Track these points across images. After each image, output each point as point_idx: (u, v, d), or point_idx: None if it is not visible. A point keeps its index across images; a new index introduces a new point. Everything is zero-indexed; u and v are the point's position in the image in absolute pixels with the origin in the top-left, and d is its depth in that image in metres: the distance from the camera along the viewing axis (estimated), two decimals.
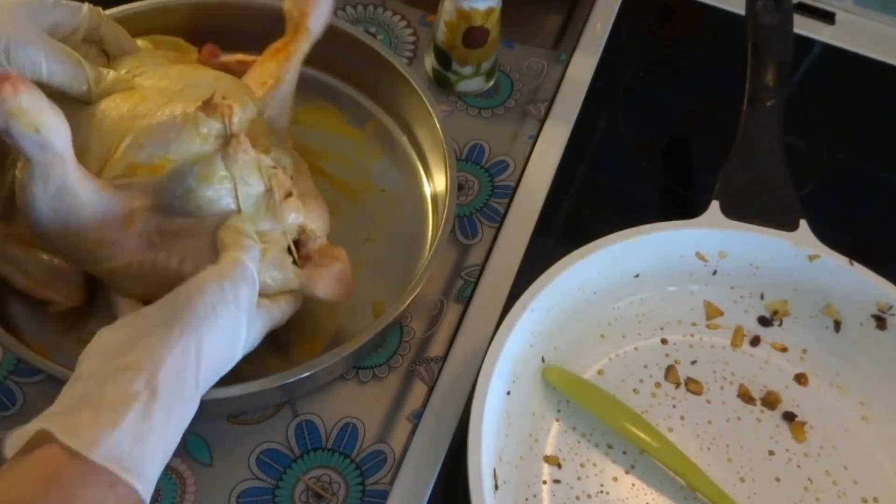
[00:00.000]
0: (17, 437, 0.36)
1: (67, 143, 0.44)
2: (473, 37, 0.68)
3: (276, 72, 0.54)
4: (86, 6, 0.53)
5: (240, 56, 0.60)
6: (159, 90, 0.50)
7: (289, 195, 0.49)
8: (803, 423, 0.56)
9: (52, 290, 0.52)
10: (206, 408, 0.42)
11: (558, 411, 0.55)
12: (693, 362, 0.59)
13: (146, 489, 0.37)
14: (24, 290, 0.52)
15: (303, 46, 0.55)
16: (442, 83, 0.72)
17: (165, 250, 0.47)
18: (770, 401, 0.57)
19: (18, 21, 0.47)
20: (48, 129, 0.42)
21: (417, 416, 0.55)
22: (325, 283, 0.50)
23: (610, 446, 0.54)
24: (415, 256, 0.61)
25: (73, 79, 0.49)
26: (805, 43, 0.82)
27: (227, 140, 0.47)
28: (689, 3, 0.85)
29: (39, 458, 0.35)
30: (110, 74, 0.51)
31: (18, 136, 0.42)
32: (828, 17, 0.84)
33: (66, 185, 0.44)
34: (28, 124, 0.41)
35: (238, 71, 0.59)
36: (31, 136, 0.42)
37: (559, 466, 0.53)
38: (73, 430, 0.36)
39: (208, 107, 0.46)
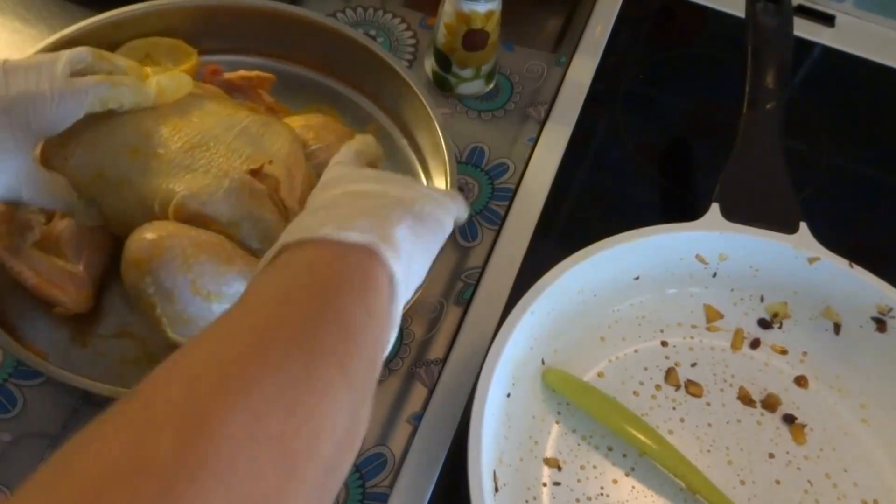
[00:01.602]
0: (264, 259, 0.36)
1: None
2: (473, 39, 0.68)
3: None
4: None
5: (242, 72, 0.61)
6: (205, 133, 0.51)
7: None
8: (803, 426, 0.56)
9: (61, 290, 0.52)
10: None
11: (558, 413, 0.55)
12: (693, 365, 0.59)
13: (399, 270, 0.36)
14: (33, 288, 0.52)
15: None
16: (442, 86, 0.72)
17: None
18: (770, 403, 0.57)
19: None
20: None
21: (417, 419, 0.55)
22: None
23: (610, 449, 0.54)
24: None
25: None
26: (805, 45, 0.82)
27: (283, 214, 0.49)
28: (689, 5, 0.85)
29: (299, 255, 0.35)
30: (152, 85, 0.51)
31: None
32: (828, 20, 0.84)
33: None
34: None
35: (242, 86, 0.60)
36: None
37: (559, 469, 0.53)
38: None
39: (258, 174, 0.49)
